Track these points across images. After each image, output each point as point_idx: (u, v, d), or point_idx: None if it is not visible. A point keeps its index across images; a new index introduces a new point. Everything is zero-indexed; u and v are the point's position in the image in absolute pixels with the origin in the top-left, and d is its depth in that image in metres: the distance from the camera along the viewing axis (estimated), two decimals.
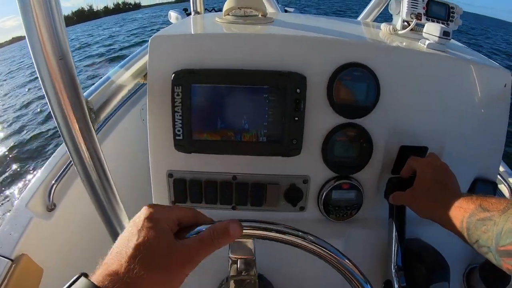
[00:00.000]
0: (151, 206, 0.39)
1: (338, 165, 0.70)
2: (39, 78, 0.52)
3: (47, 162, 1.09)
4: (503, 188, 1.21)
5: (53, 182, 1.04)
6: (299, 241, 0.47)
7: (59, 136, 0.61)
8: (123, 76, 0.71)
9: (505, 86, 0.77)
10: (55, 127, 0.58)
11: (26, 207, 1.00)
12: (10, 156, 4.52)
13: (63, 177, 1.06)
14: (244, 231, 0.43)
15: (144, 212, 0.38)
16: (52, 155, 1.12)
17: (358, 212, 0.73)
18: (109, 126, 1.30)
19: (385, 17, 0.96)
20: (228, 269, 0.49)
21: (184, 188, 0.70)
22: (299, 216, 0.72)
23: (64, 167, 1.07)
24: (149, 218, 0.36)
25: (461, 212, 0.52)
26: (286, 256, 0.69)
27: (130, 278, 0.32)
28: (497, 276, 0.76)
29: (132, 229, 0.36)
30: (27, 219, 0.97)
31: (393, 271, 0.68)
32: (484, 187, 0.80)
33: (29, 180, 1.04)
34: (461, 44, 0.92)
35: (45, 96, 0.54)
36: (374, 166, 0.71)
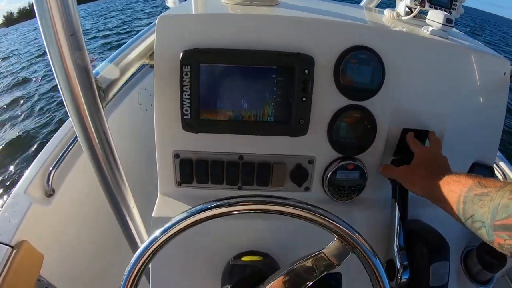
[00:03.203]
0: None
1: (343, 146, 0.71)
2: (48, 55, 0.51)
3: (45, 147, 1.08)
4: (496, 173, 1.24)
5: (51, 167, 1.03)
6: (310, 215, 0.48)
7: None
8: (129, 56, 0.70)
9: (504, 74, 0.79)
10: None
11: (25, 193, 0.98)
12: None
13: (62, 162, 1.05)
14: (244, 206, 0.47)
15: None
16: (50, 140, 1.10)
17: (361, 193, 0.75)
18: (106, 110, 1.29)
19: (387, 3, 0.97)
20: (312, 255, 0.51)
21: (190, 168, 0.70)
22: (304, 196, 0.73)
23: (62, 152, 1.06)
24: None
25: (460, 186, 0.52)
26: (292, 235, 0.70)
27: None
28: (494, 258, 0.78)
29: None
30: (26, 205, 0.96)
31: (396, 250, 0.70)
32: (482, 171, 0.82)
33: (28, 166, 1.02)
34: (462, 33, 0.94)
35: (54, 73, 0.53)
36: (377, 148, 0.73)
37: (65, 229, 1.07)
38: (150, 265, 0.70)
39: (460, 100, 0.76)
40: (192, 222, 0.47)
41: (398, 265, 0.69)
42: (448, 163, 0.65)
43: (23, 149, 3.99)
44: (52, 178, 1.02)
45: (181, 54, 0.62)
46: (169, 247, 0.70)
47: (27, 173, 1.02)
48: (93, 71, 0.61)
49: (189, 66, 0.62)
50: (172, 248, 0.69)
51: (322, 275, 0.49)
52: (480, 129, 0.80)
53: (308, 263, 0.50)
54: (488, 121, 0.80)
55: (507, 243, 0.43)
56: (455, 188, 0.53)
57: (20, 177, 1.03)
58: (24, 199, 0.97)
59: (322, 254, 0.49)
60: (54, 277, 1.01)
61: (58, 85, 0.55)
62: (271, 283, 0.50)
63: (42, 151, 1.07)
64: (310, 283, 0.50)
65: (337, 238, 0.48)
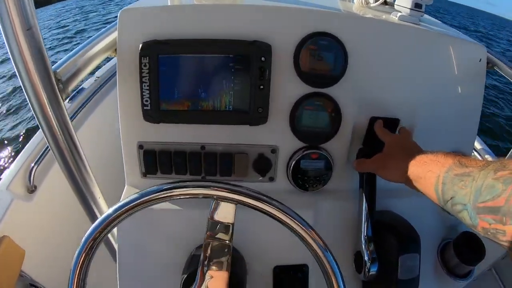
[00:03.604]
0: None
1: (307, 134, 0.70)
2: (8, 49, 0.54)
3: (27, 144, 1.10)
4: None
5: (33, 164, 1.04)
6: (257, 204, 0.47)
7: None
8: (93, 50, 0.71)
9: (480, 61, 0.76)
10: None
11: (7, 190, 1.00)
12: None
13: (43, 159, 1.07)
14: (209, 191, 0.46)
15: None
16: (33, 137, 1.13)
17: (328, 183, 0.73)
18: (89, 107, 1.31)
19: None
20: (205, 231, 0.49)
21: (154, 159, 0.70)
22: (269, 187, 0.72)
23: (44, 148, 1.08)
24: None
25: (438, 166, 0.48)
26: (255, 225, 0.69)
27: None
28: (472, 251, 0.76)
29: None
30: (7, 201, 0.98)
31: (363, 242, 0.68)
32: None
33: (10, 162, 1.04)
34: (437, 20, 0.91)
35: (13, 65, 0.55)
36: (343, 137, 0.71)
37: (47, 224, 1.09)
38: (117, 257, 0.71)
39: (433, 87, 0.74)
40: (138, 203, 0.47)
41: (366, 257, 0.67)
42: (420, 147, 0.61)
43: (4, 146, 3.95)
44: (34, 174, 1.04)
45: (140, 46, 0.62)
46: (137, 237, 0.70)
47: (9, 170, 1.04)
48: (54, 65, 0.62)
49: (147, 58, 0.62)
50: (140, 238, 0.70)
51: (231, 237, 0.48)
52: (456, 117, 0.77)
53: (211, 239, 0.48)
54: (464, 109, 0.78)
55: (493, 227, 0.38)
56: (433, 168, 0.49)
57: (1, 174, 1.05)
58: (6, 196, 0.99)
59: (211, 221, 0.48)
60: (36, 273, 1.02)
61: (18, 77, 0.57)
62: (199, 280, 0.48)
63: (25, 148, 1.09)
64: (230, 254, 0.49)
65: (213, 200, 0.47)
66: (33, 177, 1.04)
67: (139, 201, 0.47)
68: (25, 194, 1.04)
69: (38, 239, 1.05)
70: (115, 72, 1.54)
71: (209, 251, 0.48)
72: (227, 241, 0.47)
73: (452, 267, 0.79)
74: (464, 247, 0.76)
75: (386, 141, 0.66)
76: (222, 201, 0.46)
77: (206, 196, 0.47)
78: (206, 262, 0.48)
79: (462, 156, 0.48)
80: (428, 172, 0.50)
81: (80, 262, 0.48)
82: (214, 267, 0.48)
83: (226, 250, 0.48)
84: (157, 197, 0.47)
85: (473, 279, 0.80)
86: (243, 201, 0.45)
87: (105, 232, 0.48)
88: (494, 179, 0.39)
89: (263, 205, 0.46)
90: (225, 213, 0.46)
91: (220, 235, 0.47)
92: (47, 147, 1.09)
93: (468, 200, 0.41)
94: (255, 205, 0.46)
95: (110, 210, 0.48)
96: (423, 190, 0.52)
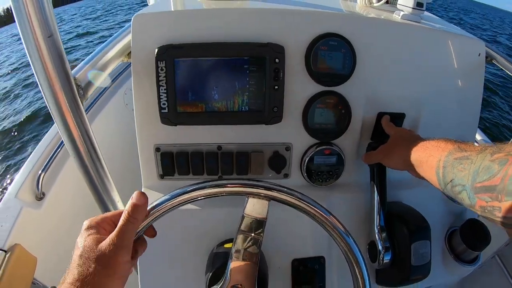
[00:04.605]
0: (88, 220, 0.47)
1: (319, 131, 0.72)
2: (28, 57, 0.54)
3: (33, 151, 1.10)
4: None
5: (40, 171, 1.04)
6: (283, 196, 0.49)
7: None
8: (108, 55, 0.72)
9: (479, 55, 0.80)
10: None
11: (16, 197, 1.00)
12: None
13: (50, 166, 1.07)
14: (236, 189, 0.48)
15: (83, 227, 0.45)
16: (38, 144, 1.12)
17: (340, 177, 0.76)
18: (93, 111, 1.31)
19: None
20: (238, 225, 0.51)
21: (171, 161, 0.71)
22: (284, 183, 0.74)
23: (51, 155, 1.08)
24: (84, 230, 0.44)
25: (439, 151, 0.52)
26: (274, 220, 0.72)
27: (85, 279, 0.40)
28: (477, 236, 0.79)
29: (76, 244, 0.43)
30: (17, 209, 0.98)
31: (376, 232, 0.71)
32: None
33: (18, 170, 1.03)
34: (436, 17, 0.95)
35: (34, 74, 0.56)
36: (353, 132, 0.74)
37: (57, 231, 1.09)
38: (137, 263, 0.72)
39: (436, 82, 0.77)
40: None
41: (380, 246, 0.70)
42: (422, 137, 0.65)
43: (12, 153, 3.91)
44: (42, 181, 1.04)
45: (156, 50, 0.64)
46: (156, 238, 0.71)
47: (17, 177, 1.04)
48: (72, 70, 0.63)
49: (164, 62, 0.64)
50: (159, 239, 0.71)
51: (262, 233, 0.50)
52: (458, 110, 0.81)
53: (243, 233, 0.51)
54: (465, 103, 0.81)
55: (490, 205, 0.40)
56: (435, 153, 0.52)
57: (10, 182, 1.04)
58: (15, 204, 0.99)
59: (246, 217, 0.50)
60: (48, 279, 1.02)
61: (39, 84, 0.57)
62: (230, 271, 0.51)
63: (31, 155, 1.09)
64: (260, 247, 0.51)
65: (247, 196, 0.49)
66: (41, 184, 1.04)
67: (187, 195, 0.50)
68: (33, 202, 1.03)
69: (48, 246, 1.05)
70: (117, 76, 1.54)
71: (240, 245, 0.50)
72: (258, 236, 0.50)
73: (459, 253, 0.82)
74: (470, 233, 0.80)
75: (391, 134, 0.70)
76: (258, 198, 0.48)
77: (241, 194, 0.49)
78: (237, 255, 0.50)
79: (461, 142, 0.51)
80: (430, 157, 0.53)
81: None
82: (244, 260, 0.50)
83: (256, 244, 0.50)
84: (207, 192, 0.49)
85: (478, 266, 0.83)
86: (279, 198, 0.48)
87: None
88: (491, 160, 0.41)
89: (302, 204, 0.48)
90: (259, 209, 0.49)
91: (252, 230, 0.50)
92: (54, 153, 1.09)
93: (467, 181, 0.44)
94: (294, 203, 0.48)
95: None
96: (424, 175, 0.55)
